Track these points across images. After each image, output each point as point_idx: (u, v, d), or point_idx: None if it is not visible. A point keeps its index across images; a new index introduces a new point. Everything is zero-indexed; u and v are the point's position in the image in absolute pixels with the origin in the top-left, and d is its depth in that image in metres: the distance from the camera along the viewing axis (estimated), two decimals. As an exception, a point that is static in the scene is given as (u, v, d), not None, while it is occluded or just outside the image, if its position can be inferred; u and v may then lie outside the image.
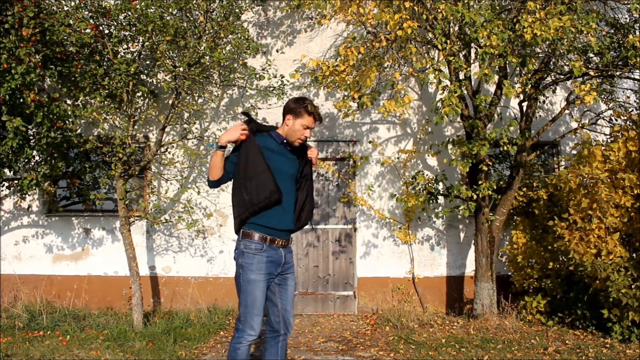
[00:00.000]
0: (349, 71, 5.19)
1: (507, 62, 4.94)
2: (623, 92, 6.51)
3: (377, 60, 5.13)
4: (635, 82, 6.08)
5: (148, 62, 6.17)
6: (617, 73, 5.44)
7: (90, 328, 5.67)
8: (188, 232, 6.69)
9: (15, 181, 5.73)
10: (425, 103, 6.85)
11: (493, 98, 5.63)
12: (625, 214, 5.21)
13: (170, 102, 6.03)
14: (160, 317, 6.03)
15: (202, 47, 5.56)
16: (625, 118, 5.85)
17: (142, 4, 5.39)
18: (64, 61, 5.43)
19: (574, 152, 6.45)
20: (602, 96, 5.93)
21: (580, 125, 5.87)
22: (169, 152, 6.58)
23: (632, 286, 4.94)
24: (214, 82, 6.26)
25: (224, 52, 5.73)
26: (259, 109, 6.67)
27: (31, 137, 5.46)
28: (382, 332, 5.59)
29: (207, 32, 5.68)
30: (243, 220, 2.96)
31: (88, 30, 5.42)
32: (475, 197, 5.53)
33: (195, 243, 6.73)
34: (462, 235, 6.75)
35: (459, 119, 6.29)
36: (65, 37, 5.33)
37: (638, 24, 5.56)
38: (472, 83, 5.80)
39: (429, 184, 5.95)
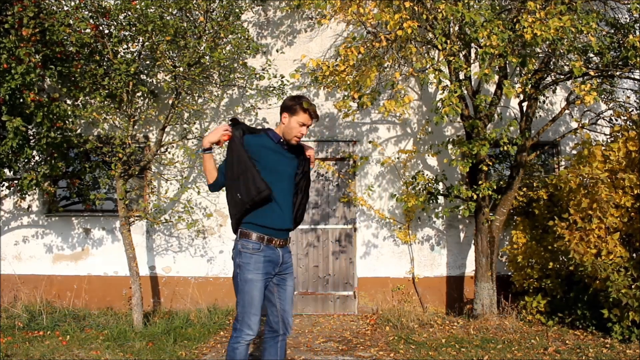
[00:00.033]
0: (349, 71, 5.19)
1: (507, 62, 4.94)
2: (623, 92, 6.51)
3: (377, 60, 5.12)
4: (635, 82, 6.08)
5: (148, 62, 6.17)
6: (617, 73, 5.43)
7: (90, 328, 5.67)
8: (188, 232, 6.70)
9: (15, 181, 5.73)
10: (425, 103, 6.85)
11: (493, 98, 5.63)
12: (625, 214, 5.21)
13: (170, 102, 6.03)
14: (160, 317, 6.03)
15: (202, 47, 5.56)
16: (625, 118, 5.85)
17: (142, 4, 5.39)
18: (64, 61, 5.43)
19: (574, 152, 6.45)
20: (602, 96, 5.94)
21: (580, 125, 5.87)
22: (169, 152, 6.58)
23: (632, 286, 4.94)
24: (214, 82, 6.26)
25: (224, 52, 5.73)
26: (259, 109, 6.68)
27: (31, 137, 5.46)
28: (382, 332, 5.59)
29: (207, 32, 5.68)
30: (238, 219, 2.98)
31: (88, 30, 5.42)
32: (475, 197, 5.53)
33: (195, 243, 6.73)
34: (462, 235, 6.75)
35: (459, 119, 6.30)
36: (65, 37, 5.33)
37: (638, 24, 5.56)
38: (472, 83, 5.80)
39: (429, 184, 5.95)
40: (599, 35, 5.32)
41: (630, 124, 5.66)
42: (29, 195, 6.43)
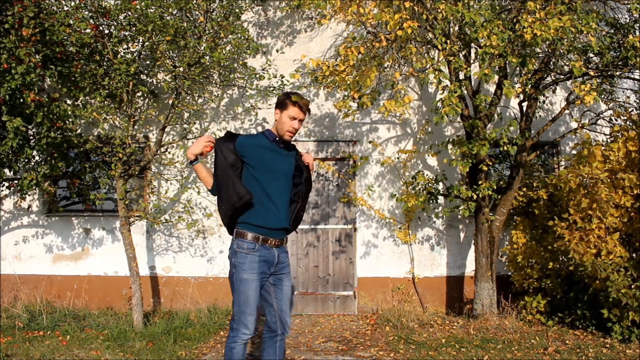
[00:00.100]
0: (349, 71, 5.19)
1: (507, 62, 4.94)
2: (623, 92, 6.51)
3: (377, 60, 5.13)
4: (635, 82, 6.08)
5: (148, 62, 6.17)
6: (617, 73, 5.44)
7: (90, 328, 5.67)
8: (188, 232, 6.70)
9: (15, 181, 5.73)
10: (425, 103, 6.85)
11: (493, 98, 5.63)
12: (625, 214, 5.21)
13: (170, 102, 6.03)
14: (160, 317, 6.03)
15: (202, 47, 5.56)
16: (625, 118, 5.85)
17: (142, 4, 5.39)
18: (64, 61, 5.43)
19: (574, 152, 6.45)
20: (602, 96, 5.94)
21: (580, 125, 5.87)
22: (169, 152, 6.58)
23: (632, 286, 4.94)
24: (214, 82, 6.26)
25: (224, 52, 5.73)
26: (259, 109, 6.68)
27: (31, 137, 5.46)
28: (382, 332, 5.59)
29: (207, 32, 5.68)
30: (228, 224, 3.03)
31: (88, 30, 5.42)
32: (475, 197, 5.53)
33: (195, 243, 6.74)
34: (462, 235, 6.75)
35: (459, 119, 6.30)
36: (65, 37, 5.33)
37: (638, 24, 5.56)
38: (472, 83, 5.80)
39: (429, 184, 5.95)
40: (599, 35, 5.32)
41: (630, 124, 5.66)
42: (29, 195, 6.43)
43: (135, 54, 5.89)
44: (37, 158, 5.76)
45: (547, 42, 4.75)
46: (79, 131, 5.95)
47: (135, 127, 6.05)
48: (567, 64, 5.60)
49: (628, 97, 6.46)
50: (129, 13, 5.55)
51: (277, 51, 6.74)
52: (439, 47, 4.82)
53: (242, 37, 5.81)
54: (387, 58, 5.34)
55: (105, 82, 5.47)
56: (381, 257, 6.71)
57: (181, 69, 5.63)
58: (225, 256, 6.62)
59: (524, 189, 6.16)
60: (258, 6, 6.87)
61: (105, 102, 5.62)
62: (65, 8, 5.57)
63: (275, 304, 3.05)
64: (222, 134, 6.50)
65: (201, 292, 6.60)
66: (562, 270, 5.69)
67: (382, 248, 6.72)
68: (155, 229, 6.70)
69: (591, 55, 5.59)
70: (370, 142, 6.82)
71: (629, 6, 5.38)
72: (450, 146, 5.69)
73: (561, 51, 5.20)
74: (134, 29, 5.63)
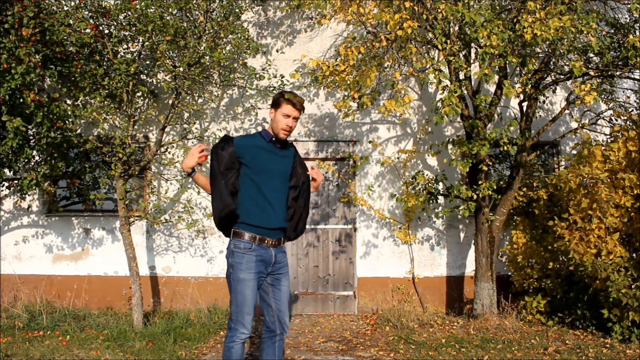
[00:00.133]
0: (349, 71, 5.19)
1: (507, 62, 4.95)
2: (623, 92, 6.51)
3: (377, 60, 5.13)
4: (635, 82, 6.08)
5: (148, 62, 6.17)
6: (617, 73, 5.44)
7: (90, 328, 5.67)
8: (188, 232, 6.70)
9: (15, 181, 5.73)
10: (425, 103, 6.85)
11: (493, 98, 5.63)
12: (625, 214, 5.21)
13: (170, 102, 6.03)
14: (160, 317, 6.03)
15: (202, 47, 5.56)
16: (625, 118, 5.85)
17: (142, 4, 5.39)
18: (64, 61, 5.43)
19: (574, 152, 6.45)
20: (602, 96, 5.94)
21: (580, 125, 5.87)
22: (169, 152, 6.58)
23: (632, 286, 4.94)
24: (214, 82, 6.26)
25: (224, 52, 5.73)
26: (259, 109, 6.68)
27: (31, 137, 5.46)
28: (382, 332, 5.59)
29: (207, 32, 5.68)
30: (220, 230, 3.06)
31: (88, 30, 5.42)
32: (475, 197, 5.53)
33: (195, 243, 6.74)
34: (462, 235, 6.75)
35: (459, 119, 6.30)
36: (65, 37, 5.33)
37: (638, 24, 5.56)
38: (472, 83, 5.80)
39: (429, 184, 5.95)
40: (599, 35, 5.32)
41: (630, 124, 5.66)
42: (29, 195, 6.43)
43: (135, 54, 5.89)
44: (37, 158, 5.76)
45: (547, 42, 4.75)
46: (79, 131, 5.95)
47: (135, 127, 6.05)
48: (567, 64, 5.60)
49: (628, 97, 6.46)
50: (129, 13, 5.55)
51: (277, 51, 6.74)
52: (439, 47, 4.82)
53: (242, 37, 5.81)
54: (387, 58, 5.34)
55: (105, 82, 5.47)
56: (381, 257, 6.71)
57: (181, 69, 5.63)
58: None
59: (524, 189, 6.16)
60: (258, 6, 6.87)
61: (105, 102, 5.62)
62: (65, 8, 5.57)
63: (274, 304, 3.06)
64: (222, 134, 6.52)
65: (201, 292, 6.60)
66: (562, 270, 5.69)
67: (382, 248, 6.72)
68: (155, 229, 6.70)
69: (591, 55, 5.59)
70: (370, 142, 6.82)
71: (629, 6, 5.38)
72: (450, 146, 5.69)
73: (561, 51, 5.20)
74: (134, 29, 5.63)
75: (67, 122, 5.37)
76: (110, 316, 6.15)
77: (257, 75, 6.10)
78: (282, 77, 6.19)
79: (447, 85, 4.96)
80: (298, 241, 6.66)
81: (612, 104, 6.26)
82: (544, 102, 6.52)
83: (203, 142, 6.64)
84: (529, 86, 5.31)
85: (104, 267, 6.71)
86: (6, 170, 5.46)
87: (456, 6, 4.67)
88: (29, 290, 6.60)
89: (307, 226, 6.64)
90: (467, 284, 6.62)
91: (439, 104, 4.85)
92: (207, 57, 5.68)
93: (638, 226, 5.19)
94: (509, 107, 6.65)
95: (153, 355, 4.67)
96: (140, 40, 5.83)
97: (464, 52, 5.39)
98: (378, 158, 6.80)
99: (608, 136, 6.03)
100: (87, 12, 5.57)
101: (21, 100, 5.07)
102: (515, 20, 4.99)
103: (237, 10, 5.83)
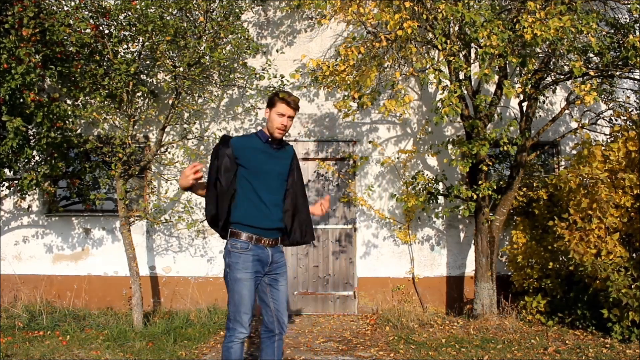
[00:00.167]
0: (349, 71, 5.19)
1: (507, 62, 4.94)
2: (623, 92, 6.51)
3: (377, 60, 5.13)
4: (635, 82, 6.08)
5: (148, 62, 6.17)
6: (617, 73, 5.44)
7: (90, 328, 5.67)
8: (188, 232, 6.70)
9: (15, 181, 5.73)
10: (425, 103, 6.85)
11: (493, 98, 5.63)
12: (625, 214, 5.21)
13: (170, 102, 6.03)
14: (160, 317, 6.03)
15: (202, 47, 5.56)
16: (625, 118, 5.85)
17: (142, 4, 5.39)
18: (64, 61, 5.43)
19: (574, 152, 6.45)
20: (602, 96, 5.94)
21: (580, 125, 5.87)
22: (169, 152, 6.58)
23: (632, 286, 4.94)
24: (214, 82, 6.26)
25: (224, 52, 5.73)
26: (259, 109, 6.67)
27: (31, 137, 5.46)
28: (382, 332, 5.59)
29: (207, 32, 5.68)
30: (218, 233, 3.11)
31: (88, 30, 5.42)
32: (475, 197, 5.53)
33: (195, 243, 6.74)
34: (462, 235, 6.75)
35: (459, 119, 6.30)
36: (65, 37, 5.32)
37: (638, 24, 5.56)
38: (472, 83, 5.80)
39: (429, 184, 5.95)
40: (599, 35, 5.32)
41: (630, 124, 5.66)
42: (29, 195, 6.43)
43: (135, 54, 5.89)
44: (37, 158, 5.76)
45: (547, 42, 4.75)
46: (79, 131, 5.95)
47: (135, 127, 6.05)
48: (567, 64, 5.60)
49: (628, 97, 6.46)
50: (129, 13, 5.55)
51: (277, 51, 6.74)
52: (439, 47, 4.82)
53: (242, 37, 5.81)
54: (387, 58, 5.34)
55: (105, 82, 5.47)
56: (381, 257, 6.71)
57: (181, 69, 5.63)
58: (225, 256, 6.65)
59: (524, 189, 6.16)
60: (258, 6, 6.87)
61: (105, 102, 5.62)
62: (65, 8, 5.57)
63: (272, 304, 3.07)
64: (221, 134, 6.52)
65: (201, 292, 6.60)
66: (562, 270, 5.69)
67: (382, 248, 6.72)
68: (155, 229, 6.70)
69: (591, 55, 5.59)
70: (370, 142, 6.82)
71: (629, 6, 5.38)
72: (450, 146, 5.69)
73: (561, 51, 5.20)
74: (134, 29, 5.63)
75: (67, 122, 5.37)
76: (110, 316, 6.15)
77: (257, 75, 6.10)
78: (282, 77, 6.19)
79: (447, 85, 4.96)
80: (298, 241, 6.65)
81: (612, 104, 6.26)
82: (543, 102, 6.52)
83: (203, 141, 6.64)
84: (529, 86, 5.31)
85: (104, 267, 6.71)
86: (6, 170, 5.46)
87: (456, 6, 4.67)
88: (29, 290, 6.60)
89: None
90: (467, 284, 6.62)
91: (439, 104, 4.85)
92: (207, 57, 5.68)
93: (638, 226, 5.19)
94: (509, 107, 6.65)
95: (153, 355, 4.67)
96: (140, 40, 5.83)
97: (464, 52, 5.39)
98: (378, 158, 6.80)
99: (608, 136, 6.03)
100: (87, 12, 5.57)
101: (21, 100, 5.07)
102: (515, 20, 4.99)
103: (237, 10, 5.83)
